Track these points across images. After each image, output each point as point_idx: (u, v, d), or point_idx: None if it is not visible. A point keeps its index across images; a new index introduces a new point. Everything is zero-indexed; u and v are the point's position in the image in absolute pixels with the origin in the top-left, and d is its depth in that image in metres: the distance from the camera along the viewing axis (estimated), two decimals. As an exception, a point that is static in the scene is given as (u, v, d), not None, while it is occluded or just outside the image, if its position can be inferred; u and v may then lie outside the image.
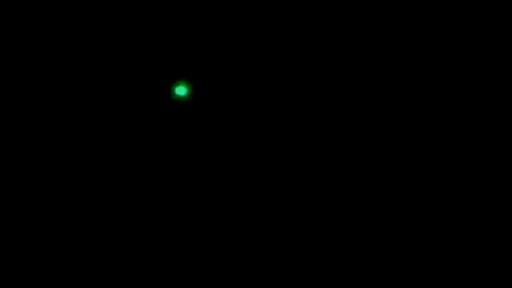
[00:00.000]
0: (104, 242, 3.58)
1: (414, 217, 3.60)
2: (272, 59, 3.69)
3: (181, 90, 3.61)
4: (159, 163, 3.65)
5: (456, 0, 3.65)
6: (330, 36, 3.69)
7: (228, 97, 3.67)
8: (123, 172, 3.63)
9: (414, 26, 3.68)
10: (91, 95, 3.65)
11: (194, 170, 3.65)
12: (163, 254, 3.59)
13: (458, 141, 3.64)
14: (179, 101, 3.62)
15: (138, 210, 3.62)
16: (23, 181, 3.59)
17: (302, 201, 3.63)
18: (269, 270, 3.59)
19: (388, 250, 3.58)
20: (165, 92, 3.64)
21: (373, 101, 3.68)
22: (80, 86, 3.65)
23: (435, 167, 3.63)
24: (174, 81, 3.63)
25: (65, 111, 3.64)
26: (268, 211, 3.63)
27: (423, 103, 3.66)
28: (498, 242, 3.55)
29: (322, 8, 3.69)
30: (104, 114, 3.64)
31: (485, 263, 3.53)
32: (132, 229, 3.60)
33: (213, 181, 3.64)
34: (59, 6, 3.65)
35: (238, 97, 3.68)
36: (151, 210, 3.62)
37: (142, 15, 3.67)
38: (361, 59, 3.69)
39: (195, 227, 3.62)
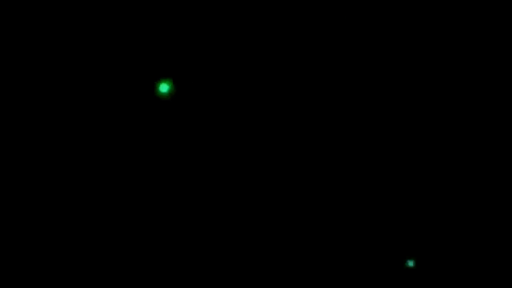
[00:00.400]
0: (90, 236, 3.61)
1: (414, 217, 3.59)
2: (254, 58, 3.70)
3: (163, 87, 3.61)
4: (142, 160, 3.65)
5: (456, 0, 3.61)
6: (321, 35, 3.73)
7: (210, 95, 3.67)
8: (107, 167, 3.64)
9: (414, 26, 3.65)
10: (74, 93, 3.64)
11: (176, 167, 3.66)
12: (151, 251, 3.63)
13: (458, 141, 3.62)
14: (162, 98, 3.61)
15: (125, 207, 3.62)
16: (10, 175, 3.62)
17: (285, 198, 3.68)
18: (261, 267, 3.63)
19: (388, 250, 3.55)
20: (148, 89, 3.63)
21: (360, 99, 3.72)
22: (59, 84, 3.64)
23: (435, 167, 3.61)
24: (157, 79, 3.63)
25: (48, 109, 3.65)
26: (256, 208, 3.67)
27: (422, 103, 3.65)
28: (498, 242, 3.53)
29: (310, 7, 3.72)
30: (87, 111, 3.65)
31: (485, 263, 3.52)
32: (119, 226, 3.61)
33: (194, 178, 3.66)
34: (39, 7, 3.64)
35: (220, 96, 3.67)
36: (138, 207, 3.63)
37: (127, 16, 3.68)
38: (343, 58, 3.73)
39: (183, 224, 3.64)
